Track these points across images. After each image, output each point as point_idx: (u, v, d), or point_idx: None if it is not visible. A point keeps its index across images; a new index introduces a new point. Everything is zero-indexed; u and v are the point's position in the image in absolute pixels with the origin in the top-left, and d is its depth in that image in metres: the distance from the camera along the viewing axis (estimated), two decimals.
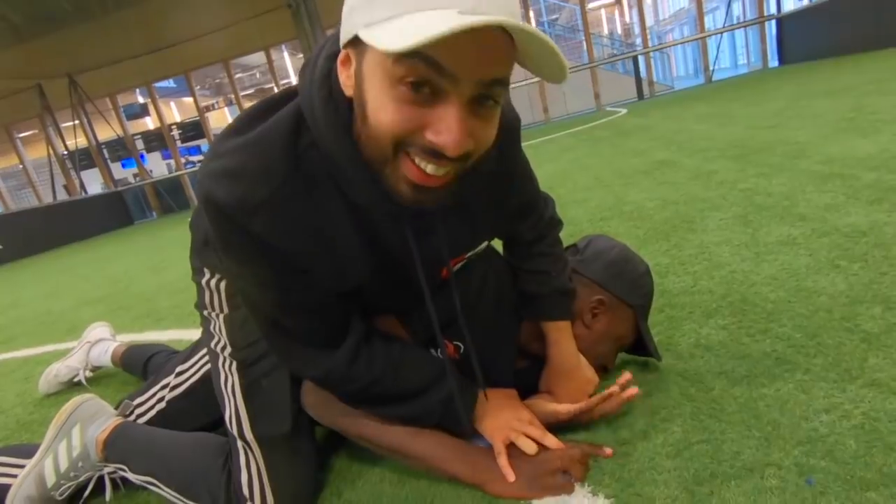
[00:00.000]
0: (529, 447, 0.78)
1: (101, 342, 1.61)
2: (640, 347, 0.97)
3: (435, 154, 0.51)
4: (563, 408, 0.84)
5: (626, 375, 0.82)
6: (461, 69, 0.48)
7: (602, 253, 0.96)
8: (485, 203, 0.75)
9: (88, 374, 1.62)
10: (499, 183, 0.75)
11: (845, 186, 1.73)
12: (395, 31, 0.45)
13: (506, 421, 0.81)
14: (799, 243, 1.37)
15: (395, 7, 0.47)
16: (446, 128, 0.50)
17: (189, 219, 0.91)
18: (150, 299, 2.71)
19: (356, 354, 0.74)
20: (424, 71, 0.48)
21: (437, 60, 0.47)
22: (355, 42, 0.52)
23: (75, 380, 1.61)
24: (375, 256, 0.70)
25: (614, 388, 0.81)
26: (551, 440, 0.79)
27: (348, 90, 0.56)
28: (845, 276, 1.13)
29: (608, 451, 0.77)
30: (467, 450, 0.80)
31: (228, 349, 0.88)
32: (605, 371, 0.97)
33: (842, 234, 1.36)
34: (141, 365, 1.41)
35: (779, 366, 0.88)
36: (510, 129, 0.72)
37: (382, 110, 0.51)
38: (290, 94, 0.66)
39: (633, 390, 0.82)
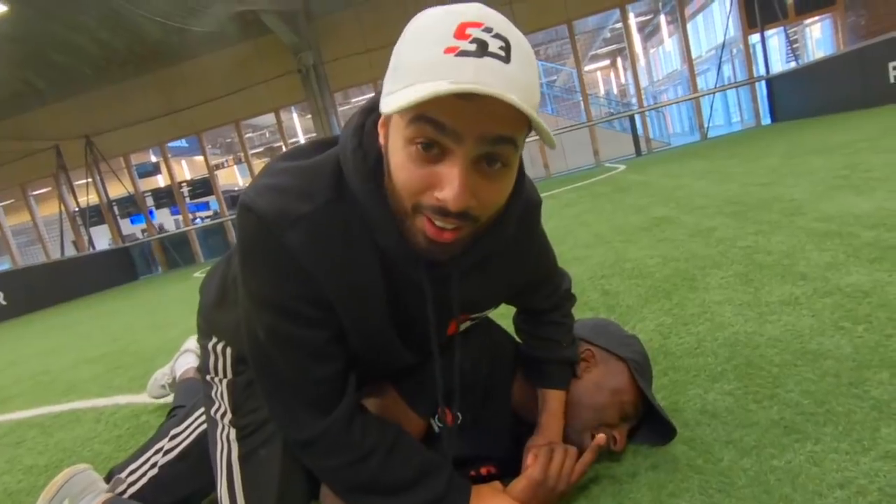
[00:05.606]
0: None
1: (186, 353, 1.63)
2: (649, 429, 0.93)
3: (441, 210, 0.56)
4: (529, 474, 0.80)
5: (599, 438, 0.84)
6: (461, 126, 0.53)
7: (586, 321, 1.07)
8: (502, 269, 0.78)
9: (170, 380, 1.65)
10: (517, 253, 0.79)
11: (844, 245, 1.74)
12: (399, 98, 0.52)
13: None
14: (801, 303, 1.36)
15: (405, 80, 0.54)
16: (448, 183, 0.55)
17: (196, 276, 0.92)
18: (150, 359, 2.68)
19: (352, 419, 0.71)
20: (431, 132, 0.54)
21: (440, 120, 0.53)
22: None
23: (164, 383, 1.68)
24: (392, 303, 0.71)
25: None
26: None
27: (384, 148, 0.62)
28: (850, 339, 1.11)
29: None
30: None
31: (229, 416, 0.86)
32: (615, 446, 0.89)
33: (844, 294, 1.35)
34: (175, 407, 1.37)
35: (788, 435, 0.85)
36: (533, 207, 0.78)
37: (401, 168, 0.57)
38: None
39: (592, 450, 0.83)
